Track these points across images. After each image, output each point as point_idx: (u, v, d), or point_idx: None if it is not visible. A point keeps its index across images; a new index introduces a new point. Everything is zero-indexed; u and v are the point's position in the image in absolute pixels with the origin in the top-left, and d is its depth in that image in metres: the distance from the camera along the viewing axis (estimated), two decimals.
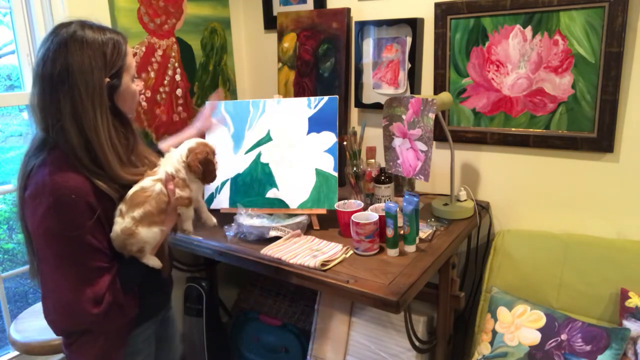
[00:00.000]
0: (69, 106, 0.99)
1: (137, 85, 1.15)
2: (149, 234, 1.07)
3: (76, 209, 0.99)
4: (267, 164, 1.74)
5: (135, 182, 1.08)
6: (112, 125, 1.06)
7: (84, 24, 1.05)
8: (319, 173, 1.68)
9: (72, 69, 0.99)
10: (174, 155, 1.15)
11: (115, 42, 1.06)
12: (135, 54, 1.96)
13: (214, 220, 1.28)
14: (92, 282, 1.01)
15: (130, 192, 1.06)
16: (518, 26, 1.70)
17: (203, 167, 1.14)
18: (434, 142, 1.93)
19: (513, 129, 1.79)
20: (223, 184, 1.76)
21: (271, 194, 1.71)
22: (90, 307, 1.00)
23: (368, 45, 2.05)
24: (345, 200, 1.66)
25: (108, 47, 1.04)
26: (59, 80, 0.99)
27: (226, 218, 1.67)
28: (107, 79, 1.04)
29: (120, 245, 1.06)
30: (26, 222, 1.05)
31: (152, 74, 2.05)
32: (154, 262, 1.12)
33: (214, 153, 1.19)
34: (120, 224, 1.04)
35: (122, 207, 1.05)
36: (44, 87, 1.01)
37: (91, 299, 1.01)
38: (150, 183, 1.08)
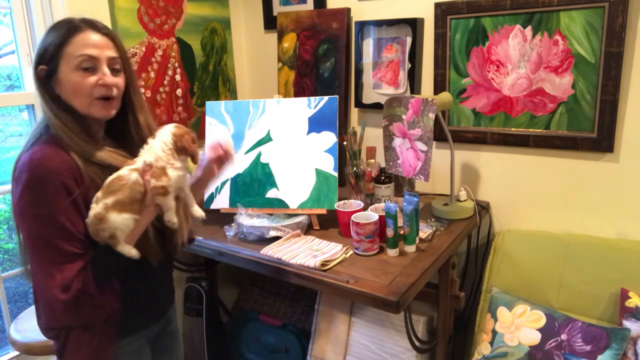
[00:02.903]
0: None
1: (96, 78, 1.07)
2: (119, 219, 1.04)
3: (50, 186, 0.99)
4: (267, 164, 1.74)
5: (110, 160, 1.09)
6: (58, 110, 1.07)
7: (67, 18, 1.10)
8: (319, 173, 1.68)
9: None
10: (156, 144, 1.11)
11: (55, 29, 1.07)
12: (134, 54, 1.96)
13: (202, 212, 1.23)
14: (62, 266, 1.00)
15: (108, 179, 1.06)
16: (518, 26, 1.70)
17: (193, 148, 1.13)
18: (434, 142, 1.93)
19: (513, 129, 1.79)
20: (223, 184, 1.76)
21: (271, 194, 1.71)
22: (59, 292, 0.99)
23: (368, 45, 2.05)
24: (345, 200, 1.66)
25: (49, 34, 1.07)
26: None
27: (226, 218, 1.67)
28: (43, 67, 1.06)
29: (94, 231, 1.04)
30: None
31: (152, 74, 2.05)
32: (128, 250, 1.07)
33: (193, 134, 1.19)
34: (94, 209, 1.04)
35: (98, 194, 1.05)
36: None
37: (60, 284, 0.99)
38: (126, 172, 1.07)
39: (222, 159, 1.31)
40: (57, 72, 1.06)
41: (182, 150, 1.11)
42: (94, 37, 1.07)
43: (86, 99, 1.07)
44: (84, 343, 1.08)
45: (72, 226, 1.02)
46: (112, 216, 1.03)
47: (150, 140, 1.12)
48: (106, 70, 1.08)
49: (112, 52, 1.10)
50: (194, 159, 1.14)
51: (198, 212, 1.22)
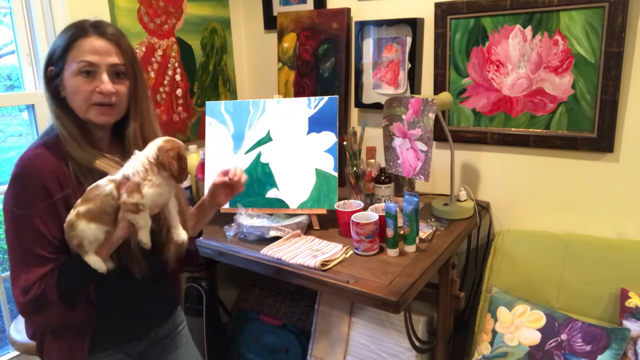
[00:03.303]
0: None
1: (96, 85, 1.05)
2: (87, 229, 1.00)
3: (30, 186, 1.00)
4: (267, 164, 1.74)
5: (99, 168, 1.07)
6: (58, 111, 1.07)
7: (79, 20, 1.10)
8: (319, 173, 1.68)
9: None
10: (139, 157, 1.05)
11: (65, 32, 1.07)
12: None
13: (183, 237, 1.13)
14: (28, 268, 1.00)
15: (90, 186, 1.04)
16: (518, 26, 1.70)
17: (177, 163, 1.05)
18: (434, 142, 1.93)
19: (513, 129, 1.79)
20: None
21: (271, 194, 1.71)
22: (19, 293, 0.99)
23: (368, 45, 2.05)
24: (345, 200, 1.66)
25: (60, 35, 1.07)
26: None
27: (226, 218, 1.67)
28: (51, 67, 1.07)
29: (67, 237, 1.03)
30: None
31: (152, 74, 2.05)
32: (95, 262, 1.02)
33: (184, 149, 1.09)
34: (69, 215, 1.02)
35: (78, 200, 1.03)
36: None
37: (22, 286, 0.99)
38: (105, 182, 1.03)
39: (229, 186, 1.28)
40: (62, 75, 1.06)
41: (163, 166, 1.04)
42: (98, 43, 1.05)
43: (84, 104, 1.06)
44: (55, 348, 1.08)
45: (47, 229, 1.01)
46: (80, 224, 1.00)
47: (136, 152, 1.07)
48: (105, 77, 1.06)
49: (115, 59, 1.07)
50: (176, 178, 1.06)
51: (179, 235, 1.13)
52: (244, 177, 1.31)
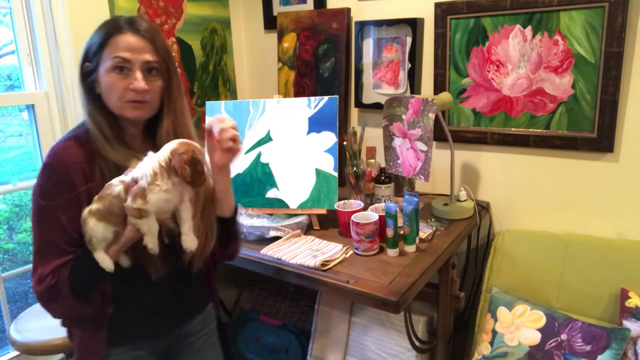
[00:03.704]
0: None
1: (129, 82, 1.05)
2: (96, 227, 1.00)
3: (55, 177, 1.02)
4: (267, 164, 1.74)
5: (125, 164, 1.05)
6: (91, 106, 1.08)
7: (114, 17, 1.12)
8: (319, 173, 1.68)
9: None
10: (151, 159, 1.01)
11: (101, 28, 1.07)
12: None
13: (191, 244, 1.06)
14: (45, 258, 1.02)
15: (107, 184, 1.03)
16: (518, 26, 1.70)
17: (191, 168, 0.99)
18: (434, 142, 1.93)
19: (513, 129, 1.79)
20: None
21: (271, 194, 1.71)
22: (35, 282, 1.03)
23: (368, 45, 2.05)
24: (345, 200, 1.66)
25: (96, 32, 1.08)
26: None
27: None
28: (87, 63, 1.08)
29: (82, 231, 1.03)
30: None
31: None
32: (103, 260, 1.02)
33: (201, 152, 1.04)
34: (84, 211, 1.02)
35: (96, 196, 1.03)
36: None
37: (38, 275, 1.02)
38: (116, 182, 1.01)
39: (220, 144, 1.10)
40: (97, 71, 1.07)
41: (175, 170, 0.99)
42: (132, 39, 1.05)
43: (118, 101, 1.06)
44: (78, 336, 1.12)
45: (67, 222, 1.02)
46: (90, 222, 1.00)
47: (150, 153, 1.03)
48: (138, 75, 1.05)
49: (149, 56, 1.06)
50: (190, 183, 1.01)
51: (186, 243, 1.06)
52: (228, 124, 1.11)
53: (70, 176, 1.02)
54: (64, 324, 1.17)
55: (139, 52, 1.05)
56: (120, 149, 1.08)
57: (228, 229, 1.20)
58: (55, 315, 1.08)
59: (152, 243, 1.02)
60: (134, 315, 1.14)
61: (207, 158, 1.11)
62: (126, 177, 1.02)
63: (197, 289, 1.27)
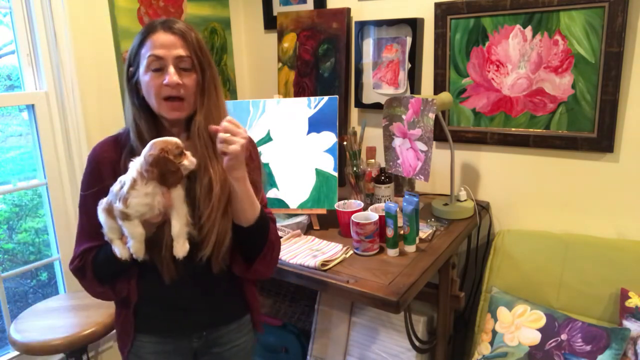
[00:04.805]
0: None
1: (159, 79, 1.05)
2: (101, 218, 1.03)
3: (89, 168, 1.12)
4: (267, 164, 1.74)
5: None
6: (136, 111, 1.11)
7: (152, 20, 1.14)
8: (319, 173, 1.68)
9: None
10: (133, 164, 1.00)
11: (139, 33, 1.10)
12: None
13: (180, 251, 1.02)
14: (79, 241, 1.13)
15: None
16: (518, 26, 1.70)
17: (157, 169, 0.96)
18: (434, 142, 1.93)
19: (513, 129, 1.79)
20: None
21: (271, 194, 1.71)
22: (70, 261, 1.13)
23: (368, 45, 2.05)
24: (345, 200, 1.66)
25: (136, 36, 1.10)
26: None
27: None
28: (131, 68, 1.11)
29: None
30: None
31: None
32: (119, 249, 1.03)
33: (176, 148, 0.98)
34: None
35: None
36: None
37: (72, 255, 1.13)
38: (117, 181, 1.02)
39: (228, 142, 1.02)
40: (137, 73, 1.09)
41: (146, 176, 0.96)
42: (164, 37, 1.06)
43: (156, 100, 1.07)
44: (117, 314, 1.21)
45: (96, 211, 1.06)
46: (99, 212, 1.04)
47: (137, 157, 1.01)
48: (171, 69, 1.05)
49: (181, 51, 1.06)
50: (163, 184, 0.98)
51: (175, 248, 1.03)
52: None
53: (100, 169, 1.10)
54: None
55: (170, 48, 1.06)
56: None
57: (247, 242, 1.14)
58: (86, 290, 1.15)
59: (134, 247, 1.01)
60: (158, 308, 1.17)
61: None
62: (121, 177, 1.02)
63: (229, 295, 1.22)
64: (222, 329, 1.23)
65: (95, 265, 1.10)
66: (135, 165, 0.99)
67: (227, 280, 1.18)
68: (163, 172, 0.96)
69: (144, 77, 1.07)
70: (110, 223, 1.03)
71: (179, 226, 1.02)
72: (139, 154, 1.02)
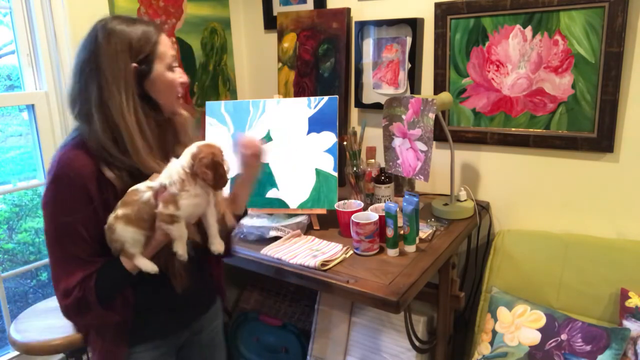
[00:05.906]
0: (96, 91, 1.02)
1: (179, 76, 1.10)
2: (125, 232, 1.00)
3: (72, 190, 0.99)
4: (267, 164, 1.74)
5: (159, 172, 1.04)
6: (140, 111, 1.05)
7: (115, 17, 1.09)
8: (319, 173, 1.68)
9: (98, 55, 1.02)
10: (174, 166, 1.02)
11: (143, 30, 1.06)
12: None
13: (219, 247, 1.10)
14: (68, 271, 1.01)
15: (130, 189, 1.03)
16: (518, 26, 1.70)
17: (212, 171, 1.00)
18: (434, 142, 1.93)
19: (513, 129, 1.79)
20: None
21: (271, 194, 1.71)
22: (61, 296, 1.01)
23: (368, 45, 2.05)
24: (345, 200, 1.66)
25: (135, 34, 1.05)
26: (86, 67, 1.03)
27: None
28: (135, 65, 1.04)
29: (108, 240, 1.03)
30: None
31: None
32: (145, 265, 1.03)
33: (221, 153, 1.05)
34: (109, 218, 1.01)
35: (119, 202, 1.02)
36: (75, 75, 1.05)
37: (63, 289, 1.01)
38: (143, 188, 1.01)
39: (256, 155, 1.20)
40: (152, 72, 1.06)
41: (197, 175, 1.00)
42: (164, 36, 1.10)
43: (175, 98, 1.11)
44: (98, 344, 1.12)
45: (87, 233, 1.01)
46: (118, 227, 1.00)
47: (173, 159, 1.04)
48: (182, 70, 1.12)
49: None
50: (213, 186, 1.02)
51: (215, 246, 1.10)
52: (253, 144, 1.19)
53: (87, 187, 1.00)
54: (79, 331, 1.18)
55: (172, 48, 1.12)
56: (160, 163, 1.08)
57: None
58: (82, 327, 1.10)
59: (181, 249, 1.03)
60: (151, 314, 1.15)
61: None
62: (153, 183, 1.02)
63: (205, 284, 1.28)
64: (202, 318, 1.29)
65: (99, 289, 1.01)
66: (177, 167, 1.01)
67: (201, 270, 1.23)
68: (216, 175, 1.01)
69: (166, 75, 1.08)
70: (138, 235, 1.01)
71: (215, 225, 1.09)
72: (121, 162, 1.02)
